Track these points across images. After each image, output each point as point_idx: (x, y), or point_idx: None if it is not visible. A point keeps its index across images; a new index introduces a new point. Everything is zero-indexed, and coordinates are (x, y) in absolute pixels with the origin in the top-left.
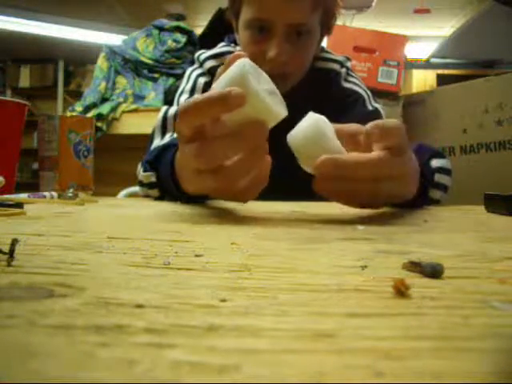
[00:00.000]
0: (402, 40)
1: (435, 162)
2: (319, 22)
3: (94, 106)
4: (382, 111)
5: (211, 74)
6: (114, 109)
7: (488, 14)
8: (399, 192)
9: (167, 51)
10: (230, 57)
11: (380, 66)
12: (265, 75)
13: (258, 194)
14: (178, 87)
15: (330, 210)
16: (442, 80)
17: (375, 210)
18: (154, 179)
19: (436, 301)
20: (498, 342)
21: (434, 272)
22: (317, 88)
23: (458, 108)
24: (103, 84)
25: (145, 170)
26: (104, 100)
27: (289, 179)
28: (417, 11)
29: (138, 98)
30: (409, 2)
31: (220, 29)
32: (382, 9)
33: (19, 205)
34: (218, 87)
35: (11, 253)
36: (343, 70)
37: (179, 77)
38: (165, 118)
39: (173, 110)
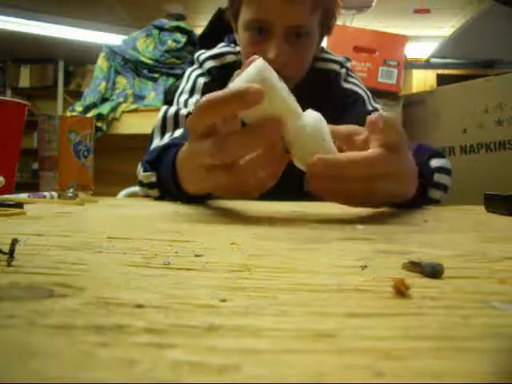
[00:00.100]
0: (402, 40)
1: (435, 162)
2: (319, 23)
3: (94, 106)
4: (382, 111)
5: (211, 74)
6: (114, 109)
7: (488, 14)
8: (397, 191)
9: (167, 51)
10: (248, 60)
11: (380, 66)
12: (278, 76)
13: (265, 191)
14: (177, 87)
15: (330, 209)
16: (442, 80)
17: (375, 210)
18: (154, 179)
19: (436, 301)
20: (498, 342)
21: (434, 272)
22: (316, 88)
23: (458, 108)
24: (103, 84)
25: (145, 170)
26: (104, 100)
27: (285, 178)
28: (417, 11)
29: (138, 98)
30: (409, 2)
31: (220, 29)
32: (382, 9)
33: (19, 205)
34: (235, 86)
35: (11, 253)
36: (343, 71)
37: (179, 77)
38: (164, 118)
39: (172, 110)
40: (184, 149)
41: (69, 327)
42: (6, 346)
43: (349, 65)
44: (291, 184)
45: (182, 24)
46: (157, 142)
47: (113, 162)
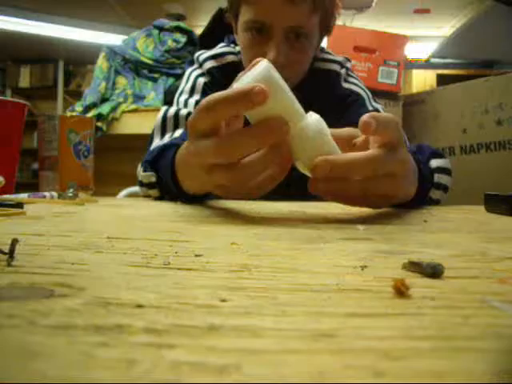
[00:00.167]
0: (402, 40)
1: (435, 162)
2: (318, 23)
3: (94, 106)
4: (382, 111)
5: (211, 74)
6: (114, 109)
7: (488, 14)
8: (397, 190)
9: (167, 51)
10: (252, 63)
11: (380, 66)
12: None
13: (267, 192)
14: (177, 87)
15: (330, 209)
16: (441, 80)
17: (375, 210)
18: (153, 179)
19: (436, 301)
20: (498, 342)
21: (434, 272)
22: (317, 89)
23: (457, 108)
24: (103, 84)
25: (145, 170)
26: (104, 100)
27: (285, 178)
28: (417, 11)
29: (138, 97)
30: (409, 2)
31: (220, 29)
32: (382, 9)
33: (19, 205)
34: (239, 85)
35: (11, 253)
36: (343, 71)
37: (179, 77)
38: (164, 118)
39: (172, 110)
40: (183, 148)
41: (69, 327)
42: (5, 345)
43: (349, 65)
44: (291, 184)
45: (182, 24)
46: (157, 142)
47: (113, 162)
